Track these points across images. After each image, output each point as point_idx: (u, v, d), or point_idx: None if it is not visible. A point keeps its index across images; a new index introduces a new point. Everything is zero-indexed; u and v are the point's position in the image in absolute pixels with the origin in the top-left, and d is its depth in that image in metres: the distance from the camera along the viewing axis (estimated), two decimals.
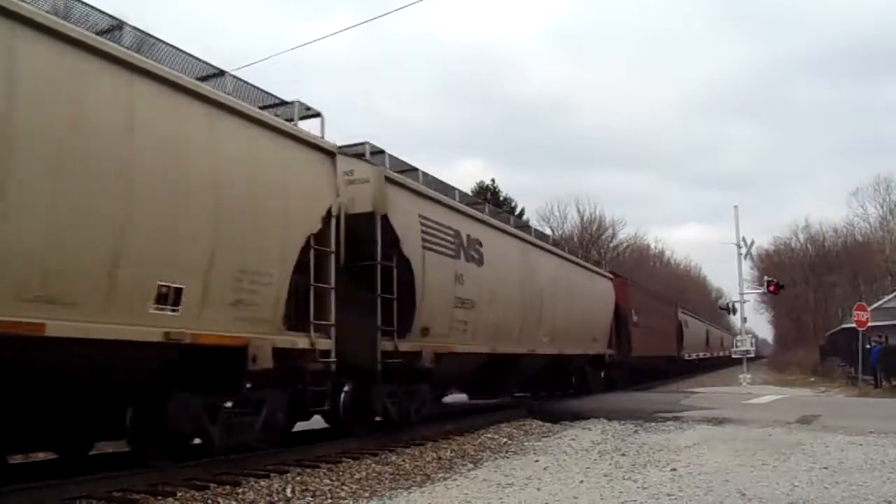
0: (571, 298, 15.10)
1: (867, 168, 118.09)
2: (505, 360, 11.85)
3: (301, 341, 7.22)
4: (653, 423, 10.89)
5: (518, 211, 39.70)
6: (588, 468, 7.25)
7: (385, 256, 8.64)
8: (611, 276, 20.15)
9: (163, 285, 5.55)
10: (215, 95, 6.29)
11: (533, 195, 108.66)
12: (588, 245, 51.10)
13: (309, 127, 7.76)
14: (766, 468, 6.86)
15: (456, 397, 15.14)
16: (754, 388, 21.47)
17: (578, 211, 56.71)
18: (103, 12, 5.74)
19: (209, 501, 5.67)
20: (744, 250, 27.09)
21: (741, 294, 28.43)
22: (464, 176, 75.38)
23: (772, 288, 27.68)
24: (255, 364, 6.45)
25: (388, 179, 8.89)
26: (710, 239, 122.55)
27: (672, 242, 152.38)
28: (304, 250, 7.20)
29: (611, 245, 58.34)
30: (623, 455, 8.05)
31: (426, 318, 9.21)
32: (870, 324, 23.78)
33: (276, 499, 5.92)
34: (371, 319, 8.46)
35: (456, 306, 9.92)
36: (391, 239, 8.70)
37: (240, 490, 6.02)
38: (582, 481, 6.50)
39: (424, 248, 9.22)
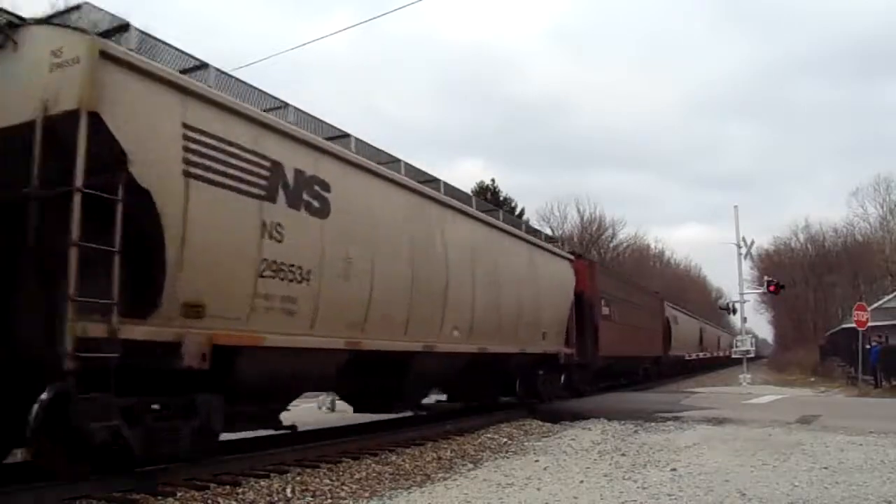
0: (501, 279, 11.52)
1: (867, 168, 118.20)
2: (386, 360, 8.72)
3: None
4: (653, 423, 10.89)
5: (518, 211, 39.71)
6: (588, 468, 7.25)
7: (105, 183, 5.20)
8: (570, 256, 16.03)
9: None
10: None
11: (533, 195, 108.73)
12: (588, 245, 51.12)
13: None
14: (766, 468, 6.86)
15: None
16: (754, 388, 21.47)
17: (578, 211, 56.89)
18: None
19: (209, 501, 5.67)
20: (744, 250, 27.11)
21: (741, 294, 28.46)
22: (464, 176, 75.41)
23: (772, 288, 27.65)
24: None
25: (114, 59, 5.32)
26: (710, 239, 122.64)
27: (672, 242, 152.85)
28: None
29: (611, 245, 58.45)
30: (623, 455, 8.05)
31: (192, 288, 5.82)
32: (870, 324, 23.78)
33: (276, 499, 5.92)
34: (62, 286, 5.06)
35: (264, 275, 6.40)
36: (113, 154, 5.26)
37: (240, 490, 6.01)
38: (582, 481, 6.50)
39: (189, 175, 5.80)
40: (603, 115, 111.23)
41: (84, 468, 5.54)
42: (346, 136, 8.40)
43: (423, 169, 10.37)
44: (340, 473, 6.99)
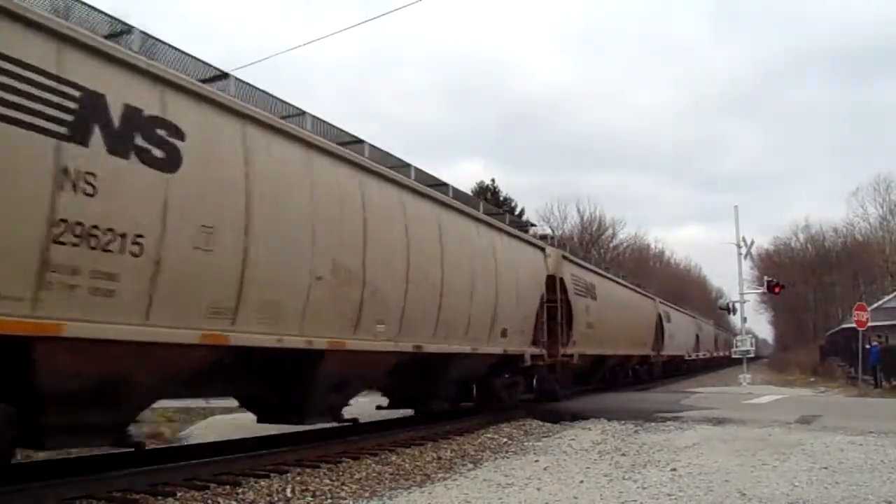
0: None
1: (867, 168, 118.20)
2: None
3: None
4: (653, 423, 10.89)
5: (518, 211, 39.71)
6: (588, 468, 7.25)
7: None
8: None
9: None
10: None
11: (533, 195, 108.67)
12: (588, 245, 51.11)
13: None
14: (766, 468, 6.86)
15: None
16: (754, 388, 21.47)
17: (578, 211, 56.81)
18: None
19: (209, 501, 5.67)
20: (744, 250, 27.09)
21: (741, 294, 28.42)
22: (464, 176, 75.45)
23: (772, 288, 27.66)
24: None
25: None
26: (710, 239, 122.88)
27: (672, 242, 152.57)
28: None
29: (611, 245, 58.40)
30: (623, 455, 8.05)
31: None
32: (870, 324, 23.81)
33: (276, 499, 5.92)
34: None
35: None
36: None
37: (240, 490, 6.02)
38: (582, 481, 6.50)
39: None
40: (603, 115, 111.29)
41: None
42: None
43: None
44: (340, 473, 6.99)
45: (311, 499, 6.01)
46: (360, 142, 8.62)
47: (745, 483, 6.08)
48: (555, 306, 13.88)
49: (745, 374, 24.93)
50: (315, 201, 7.13)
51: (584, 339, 15.57)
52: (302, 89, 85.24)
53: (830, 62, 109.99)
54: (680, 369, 33.23)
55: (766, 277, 32.79)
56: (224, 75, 6.76)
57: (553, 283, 13.94)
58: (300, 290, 6.88)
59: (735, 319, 34.37)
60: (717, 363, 45.61)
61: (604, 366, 19.18)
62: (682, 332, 32.33)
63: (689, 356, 34.60)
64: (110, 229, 5.03)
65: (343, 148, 8.02)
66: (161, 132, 5.50)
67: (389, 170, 8.88)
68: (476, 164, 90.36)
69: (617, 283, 21.85)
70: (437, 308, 9.35)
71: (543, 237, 15.76)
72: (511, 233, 12.62)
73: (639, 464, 7.37)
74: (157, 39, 6.07)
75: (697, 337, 37.13)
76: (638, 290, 25.11)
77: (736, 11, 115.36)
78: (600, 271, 20.28)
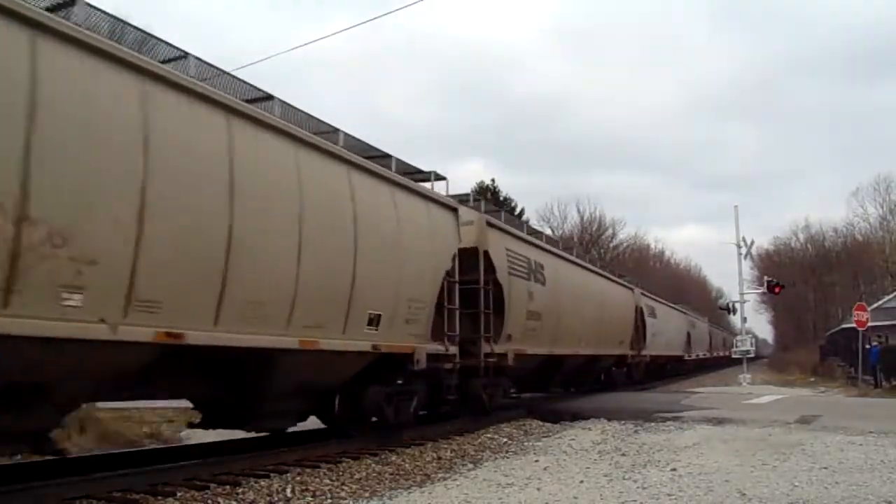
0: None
1: (867, 168, 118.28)
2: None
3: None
4: (653, 423, 10.89)
5: (518, 211, 39.75)
6: (588, 468, 7.25)
7: None
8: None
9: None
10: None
11: (533, 195, 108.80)
12: (588, 245, 51.12)
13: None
14: (766, 468, 6.86)
15: None
16: (754, 388, 21.46)
17: (578, 211, 56.91)
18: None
19: (209, 501, 5.67)
20: (744, 250, 27.10)
21: (741, 294, 28.45)
22: (464, 176, 75.40)
23: (773, 288, 27.67)
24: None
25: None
26: (710, 239, 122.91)
27: (672, 242, 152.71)
28: None
29: (611, 245, 58.45)
30: (623, 455, 8.05)
31: None
32: (870, 324, 23.81)
33: (276, 499, 5.92)
34: None
35: None
36: None
37: (240, 490, 6.02)
38: (582, 481, 6.50)
39: None
40: (603, 115, 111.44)
41: None
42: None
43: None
44: (340, 473, 6.99)
45: (311, 499, 6.01)
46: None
47: (745, 483, 6.08)
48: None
49: (745, 374, 24.94)
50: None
51: (526, 335, 12.16)
52: (301, 89, 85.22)
53: (830, 62, 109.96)
54: (666, 372, 29.19)
55: (766, 277, 32.82)
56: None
57: (474, 259, 10.69)
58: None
59: (735, 319, 34.40)
60: (713, 365, 43.75)
61: (560, 368, 15.03)
62: (672, 330, 28.77)
63: (684, 357, 31.79)
64: None
65: (243, 104, 6.49)
66: None
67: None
68: (476, 164, 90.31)
69: (579, 265, 16.83)
70: (223, 270, 5.91)
71: (461, 198, 11.34)
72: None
73: (639, 464, 7.37)
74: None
75: (689, 335, 33.37)
76: (611, 277, 19.77)
77: (736, 11, 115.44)
78: (553, 249, 14.88)
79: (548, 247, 14.61)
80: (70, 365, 5.04)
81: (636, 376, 21.61)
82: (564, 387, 17.35)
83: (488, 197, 33.76)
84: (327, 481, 6.62)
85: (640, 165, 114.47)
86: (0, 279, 4.35)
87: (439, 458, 8.25)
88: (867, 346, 23.93)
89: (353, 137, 8.24)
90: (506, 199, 40.33)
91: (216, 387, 6.89)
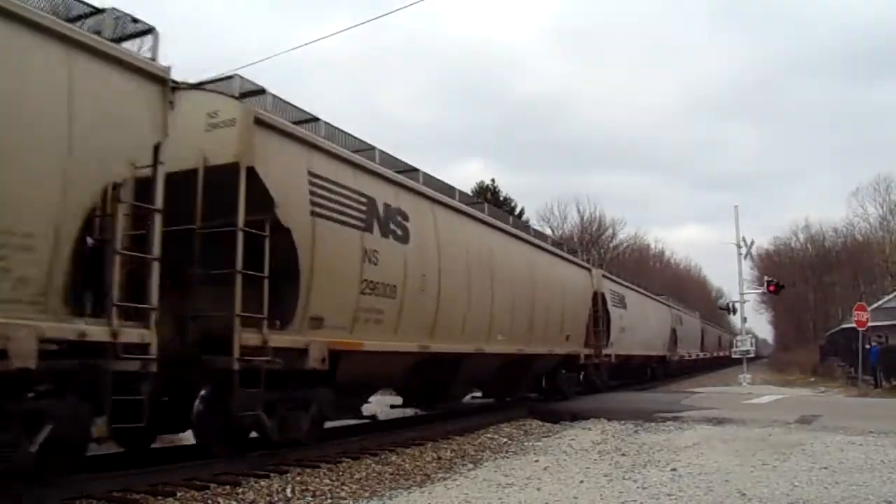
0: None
1: (867, 168, 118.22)
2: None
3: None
4: (653, 423, 10.89)
5: (518, 211, 39.73)
6: (588, 468, 7.25)
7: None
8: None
9: None
10: None
11: (533, 195, 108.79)
12: (588, 245, 51.10)
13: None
14: (766, 468, 6.86)
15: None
16: (754, 388, 21.45)
17: (578, 211, 56.82)
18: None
19: (209, 501, 5.67)
20: (744, 250, 27.10)
21: (741, 294, 28.44)
22: (464, 176, 75.49)
23: (772, 288, 27.67)
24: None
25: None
26: (710, 239, 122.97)
27: (672, 242, 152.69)
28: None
29: (611, 245, 58.41)
30: (623, 455, 8.05)
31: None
32: (870, 324, 23.80)
33: (276, 499, 5.92)
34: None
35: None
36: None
37: (240, 490, 6.02)
38: (582, 481, 6.50)
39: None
40: (603, 115, 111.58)
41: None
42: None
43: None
44: (340, 473, 6.99)
45: (311, 499, 6.01)
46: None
47: (745, 483, 6.08)
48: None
49: (745, 374, 24.92)
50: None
51: (360, 319, 8.72)
52: (301, 89, 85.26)
53: (830, 62, 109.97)
54: (644, 376, 25.12)
55: (765, 277, 32.82)
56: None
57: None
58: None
59: (735, 319, 34.38)
60: (707, 366, 41.08)
61: (455, 372, 11.22)
62: (650, 325, 24.09)
63: (667, 357, 27.34)
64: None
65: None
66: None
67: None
68: (476, 164, 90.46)
69: (486, 223, 12.17)
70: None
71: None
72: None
73: (639, 464, 7.37)
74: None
75: (674, 332, 28.61)
76: (554, 249, 15.59)
77: (736, 11, 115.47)
78: (430, 192, 10.45)
79: (419, 187, 9.87)
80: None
81: (597, 382, 17.32)
82: (509, 394, 14.36)
83: (488, 197, 33.76)
84: (327, 481, 6.62)
85: (640, 165, 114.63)
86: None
87: (439, 458, 8.26)
88: (867, 346, 23.93)
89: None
90: (506, 199, 40.31)
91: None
